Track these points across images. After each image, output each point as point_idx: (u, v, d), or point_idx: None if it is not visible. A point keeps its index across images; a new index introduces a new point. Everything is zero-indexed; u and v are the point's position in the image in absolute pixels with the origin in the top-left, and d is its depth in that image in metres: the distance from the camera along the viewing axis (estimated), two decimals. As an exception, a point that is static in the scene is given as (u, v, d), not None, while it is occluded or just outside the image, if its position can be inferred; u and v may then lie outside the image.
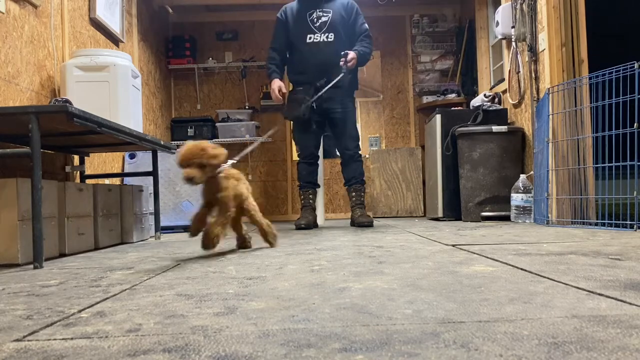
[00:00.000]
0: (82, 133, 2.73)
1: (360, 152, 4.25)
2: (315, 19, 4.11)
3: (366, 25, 4.21)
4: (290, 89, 4.33)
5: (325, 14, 4.12)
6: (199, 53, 6.44)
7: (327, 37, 4.09)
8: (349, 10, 4.18)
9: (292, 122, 4.41)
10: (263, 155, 6.50)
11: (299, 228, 4.07)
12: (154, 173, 3.65)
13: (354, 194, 4.20)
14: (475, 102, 4.85)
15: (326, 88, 3.98)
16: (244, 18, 6.52)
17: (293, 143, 6.48)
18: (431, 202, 4.95)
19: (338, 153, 4.40)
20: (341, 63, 3.96)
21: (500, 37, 4.64)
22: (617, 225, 3.03)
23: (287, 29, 4.20)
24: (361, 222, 4.08)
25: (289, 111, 4.15)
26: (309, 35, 4.11)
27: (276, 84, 4.14)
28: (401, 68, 6.59)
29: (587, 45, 3.66)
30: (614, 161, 3.05)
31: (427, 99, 6.36)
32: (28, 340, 0.98)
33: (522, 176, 3.99)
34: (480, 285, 1.37)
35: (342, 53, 3.97)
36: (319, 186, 4.39)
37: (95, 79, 3.29)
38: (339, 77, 3.93)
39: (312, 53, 4.09)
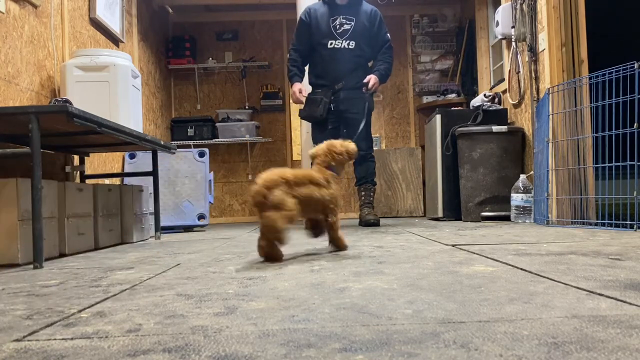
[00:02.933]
0: (82, 133, 2.73)
1: (372, 152, 4.33)
2: (338, 26, 4.18)
3: (388, 35, 4.30)
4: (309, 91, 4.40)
5: (348, 22, 4.18)
6: (199, 53, 6.44)
7: (348, 45, 4.19)
8: (372, 19, 4.23)
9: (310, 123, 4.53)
10: (263, 155, 6.50)
11: None
12: (154, 173, 3.65)
13: (363, 193, 4.27)
14: (475, 102, 4.85)
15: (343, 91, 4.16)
16: (244, 18, 6.52)
17: (293, 143, 6.50)
18: (431, 202, 4.95)
19: None
20: (364, 89, 4.13)
21: (500, 37, 4.64)
22: (617, 225, 3.03)
23: (310, 31, 4.26)
24: (367, 220, 4.14)
25: (307, 112, 4.24)
26: (330, 41, 4.19)
27: (297, 86, 4.24)
28: (401, 68, 6.59)
29: (587, 45, 3.66)
30: (614, 161, 3.05)
31: (427, 99, 6.36)
32: (28, 340, 0.98)
33: (522, 176, 3.99)
34: (480, 285, 1.37)
35: (364, 82, 4.12)
36: None
37: (95, 79, 3.29)
38: (366, 111, 4.12)
39: (332, 58, 4.20)
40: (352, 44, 4.17)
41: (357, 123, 4.19)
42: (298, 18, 4.45)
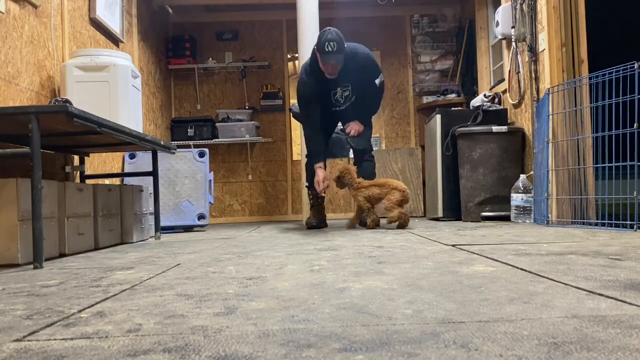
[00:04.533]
0: (82, 133, 2.73)
1: (372, 152, 4.33)
2: (339, 98, 4.10)
3: (379, 77, 4.05)
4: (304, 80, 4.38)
5: (345, 89, 4.07)
6: (199, 53, 6.44)
7: (351, 104, 4.13)
8: (365, 74, 3.99)
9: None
10: (263, 155, 6.50)
11: (310, 227, 4.15)
12: (154, 173, 3.65)
13: None
14: (475, 102, 4.85)
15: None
16: (244, 18, 6.52)
17: (293, 143, 6.50)
18: (431, 202, 4.95)
19: (351, 153, 4.50)
20: (345, 138, 4.12)
21: (500, 37, 4.64)
22: (617, 225, 3.03)
23: (314, 94, 4.03)
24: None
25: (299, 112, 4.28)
26: (334, 108, 4.14)
27: (321, 175, 3.97)
28: (401, 68, 6.59)
29: (587, 45, 3.66)
30: (614, 161, 3.05)
31: (427, 99, 6.36)
32: (28, 340, 0.98)
33: (522, 176, 3.99)
34: (480, 285, 1.37)
35: (345, 133, 4.10)
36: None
37: (95, 79, 3.29)
38: (352, 158, 4.18)
39: (336, 116, 4.23)
40: (353, 99, 4.10)
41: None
42: (299, 77, 4.16)
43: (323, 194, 4.15)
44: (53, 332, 1.04)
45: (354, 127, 4.06)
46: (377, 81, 4.09)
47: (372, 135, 6.70)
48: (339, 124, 4.42)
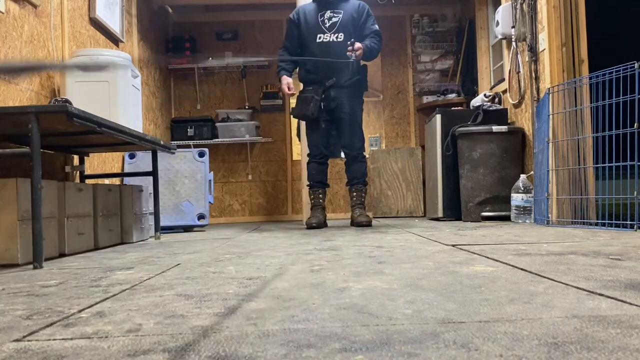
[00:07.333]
0: (82, 133, 2.73)
1: (364, 153, 4.32)
2: (326, 20, 4.18)
3: (377, 26, 4.25)
4: (300, 89, 4.38)
5: (336, 15, 4.18)
6: (199, 53, 6.43)
7: (336, 37, 4.16)
8: (360, 11, 4.23)
9: (300, 122, 4.55)
10: (263, 155, 6.50)
11: (310, 227, 4.14)
12: (153, 173, 3.65)
13: (354, 193, 4.25)
14: (475, 102, 4.85)
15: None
16: (244, 18, 6.52)
17: (293, 143, 6.50)
18: (431, 202, 4.95)
19: (342, 154, 4.45)
20: (348, 52, 3.98)
21: (500, 37, 4.63)
22: (617, 225, 3.03)
23: (299, 29, 4.27)
24: (360, 222, 4.13)
25: (298, 110, 4.24)
26: (318, 35, 4.17)
27: (285, 80, 4.21)
28: (401, 68, 6.59)
29: (587, 45, 3.66)
30: (614, 161, 3.05)
31: (427, 99, 6.36)
32: (28, 340, 0.98)
33: (522, 176, 3.99)
34: (480, 286, 1.37)
35: (349, 42, 4.00)
36: (328, 186, 4.44)
37: (95, 78, 3.29)
38: (351, 66, 4.01)
39: (321, 52, 4.16)
40: (341, 36, 4.13)
41: (348, 122, 4.18)
42: None
43: (289, 93, 4.26)
44: (53, 332, 1.03)
45: (357, 45, 4.00)
46: (376, 26, 4.22)
47: (372, 135, 6.68)
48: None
